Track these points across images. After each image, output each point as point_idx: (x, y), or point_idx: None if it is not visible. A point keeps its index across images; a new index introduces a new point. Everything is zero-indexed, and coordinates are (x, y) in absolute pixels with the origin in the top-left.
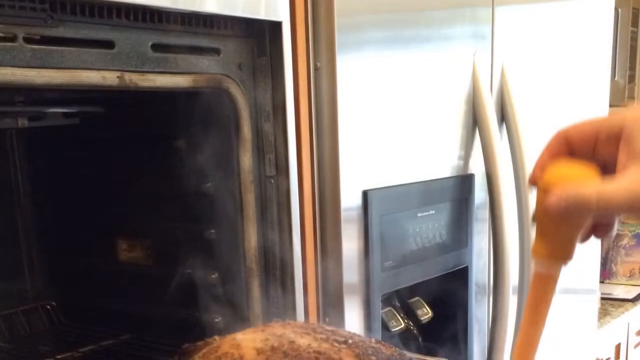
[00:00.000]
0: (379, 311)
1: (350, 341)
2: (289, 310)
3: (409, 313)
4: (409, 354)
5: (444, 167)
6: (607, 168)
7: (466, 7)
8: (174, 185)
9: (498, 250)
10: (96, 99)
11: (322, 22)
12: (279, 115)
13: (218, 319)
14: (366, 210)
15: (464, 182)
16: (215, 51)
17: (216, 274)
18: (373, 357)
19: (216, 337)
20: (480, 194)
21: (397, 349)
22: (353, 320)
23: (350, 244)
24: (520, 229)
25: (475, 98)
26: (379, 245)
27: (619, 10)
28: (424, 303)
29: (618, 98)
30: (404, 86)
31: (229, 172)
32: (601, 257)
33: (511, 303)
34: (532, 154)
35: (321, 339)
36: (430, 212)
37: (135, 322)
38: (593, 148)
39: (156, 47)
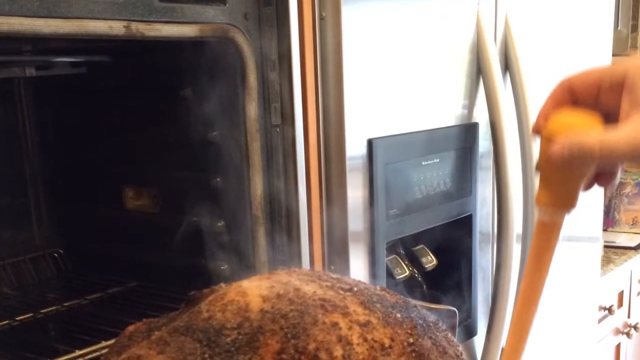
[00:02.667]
0: (384, 259)
1: (355, 289)
2: (295, 258)
3: (414, 261)
4: (413, 302)
5: (449, 116)
6: (610, 117)
7: None
8: (180, 133)
9: (502, 199)
10: (103, 49)
11: None
12: (284, 64)
13: (224, 267)
14: (371, 159)
15: (468, 130)
16: (221, 1)
17: (222, 222)
18: (378, 305)
19: (222, 285)
20: (484, 142)
21: (402, 296)
22: (358, 268)
23: (355, 193)
24: (524, 177)
25: (479, 47)
26: (383, 193)
27: None
28: (428, 251)
29: (621, 47)
30: (408, 36)
31: (235, 121)
32: (604, 205)
33: (515, 251)
34: (535, 103)
35: (326, 286)
36: (435, 160)
37: (142, 270)
38: (596, 97)
39: None
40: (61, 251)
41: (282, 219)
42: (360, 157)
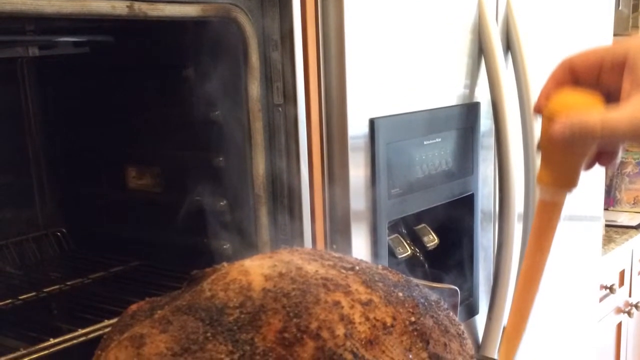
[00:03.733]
0: (386, 238)
1: (357, 268)
2: (297, 237)
3: (415, 240)
4: (415, 281)
5: (450, 95)
6: (611, 96)
7: None
8: (182, 113)
9: (503, 178)
10: (106, 28)
11: None
12: (286, 43)
13: (226, 246)
14: (373, 138)
15: (470, 110)
16: None
17: (225, 201)
18: (380, 284)
19: (224, 264)
20: (485, 122)
21: (404, 275)
22: (360, 247)
23: (357, 172)
24: (525, 156)
25: (481, 27)
26: (385, 172)
27: None
28: (430, 230)
29: (622, 27)
30: (410, 15)
31: (237, 100)
32: (605, 184)
33: (516, 230)
34: (536, 82)
35: (328, 265)
36: (437, 140)
37: (145, 249)
38: (597, 77)
39: None
40: (64, 230)
41: (284, 198)
42: (362, 136)
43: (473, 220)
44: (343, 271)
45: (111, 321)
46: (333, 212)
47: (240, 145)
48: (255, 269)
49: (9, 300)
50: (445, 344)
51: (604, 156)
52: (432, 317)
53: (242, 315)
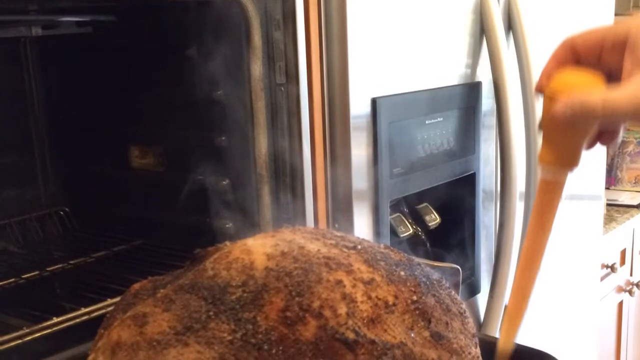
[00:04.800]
0: (388, 217)
1: (359, 247)
2: (299, 216)
3: (417, 219)
4: (417, 260)
5: (452, 75)
6: (613, 76)
7: None
8: (185, 93)
9: (505, 157)
10: (109, 8)
11: None
12: (289, 23)
13: (229, 225)
14: (375, 118)
15: (472, 89)
16: None
17: (227, 181)
18: (382, 263)
19: (227, 243)
20: (487, 101)
21: (406, 254)
22: (362, 226)
23: (359, 151)
24: (527, 136)
25: (483, 7)
26: (387, 152)
27: None
28: (432, 209)
29: (623, 7)
30: None
31: (240, 80)
32: (606, 163)
33: (518, 209)
34: (538, 62)
35: (330, 244)
36: (438, 119)
37: (147, 228)
38: (599, 56)
39: None
40: (67, 209)
41: (287, 177)
42: (364, 115)
43: (475, 199)
44: (345, 250)
45: (114, 300)
46: (335, 191)
47: (243, 124)
48: (258, 248)
49: (12, 279)
50: (447, 323)
51: (605, 135)
52: (433, 295)
53: (245, 294)
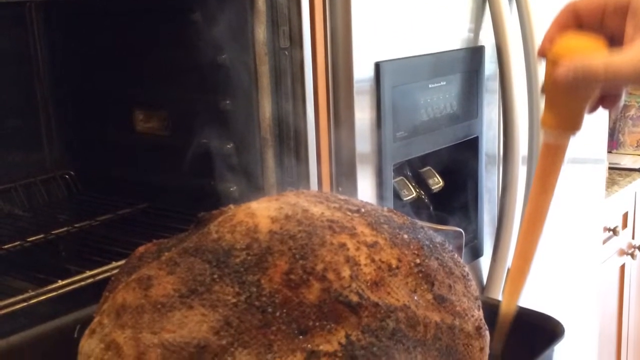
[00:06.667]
0: (391, 180)
1: (362, 210)
2: (303, 179)
3: (420, 182)
4: (420, 223)
5: (455, 39)
6: (615, 40)
7: None
8: (189, 56)
9: (508, 121)
10: None
11: None
12: None
13: (233, 188)
14: (378, 82)
15: (474, 54)
16: None
17: (231, 144)
18: (385, 226)
19: (231, 206)
20: (490, 65)
21: (409, 217)
22: (365, 189)
23: (363, 115)
24: (529, 100)
25: None
26: (390, 115)
27: None
28: (435, 172)
29: None
30: None
31: (244, 44)
32: (608, 127)
33: (520, 172)
34: (541, 26)
35: (334, 207)
36: (441, 83)
37: (152, 192)
38: (601, 21)
39: None
40: (72, 173)
41: (291, 141)
42: (367, 79)
43: (477, 163)
44: (349, 213)
45: (119, 263)
46: (339, 155)
47: (247, 88)
48: (262, 211)
49: (18, 243)
50: (450, 286)
51: (607, 99)
52: (437, 259)
53: (249, 257)
